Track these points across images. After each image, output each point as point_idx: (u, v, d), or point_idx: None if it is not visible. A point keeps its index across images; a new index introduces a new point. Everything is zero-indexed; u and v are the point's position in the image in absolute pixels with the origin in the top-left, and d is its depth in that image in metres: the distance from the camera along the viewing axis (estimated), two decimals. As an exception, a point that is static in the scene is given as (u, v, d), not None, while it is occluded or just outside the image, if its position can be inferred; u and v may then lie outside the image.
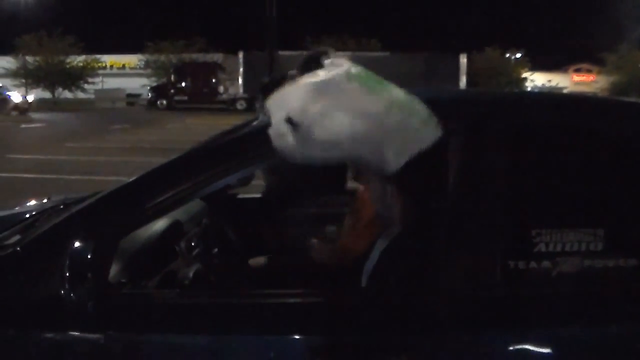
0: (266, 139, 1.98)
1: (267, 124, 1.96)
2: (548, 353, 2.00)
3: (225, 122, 24.84)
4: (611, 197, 2.15)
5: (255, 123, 2.35)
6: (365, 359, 1.99)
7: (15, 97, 35.17)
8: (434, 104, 2.10)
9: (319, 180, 3.79)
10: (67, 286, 1.90)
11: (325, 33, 48.90)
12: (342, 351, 2.00)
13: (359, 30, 49.72)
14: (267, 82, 4.33)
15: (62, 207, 2.94)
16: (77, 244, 1.92)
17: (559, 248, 2.03)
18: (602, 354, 2.01)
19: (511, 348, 1.98)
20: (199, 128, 25.04)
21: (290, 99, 1.96)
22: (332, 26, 50.72)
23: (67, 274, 1.89)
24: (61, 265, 1.94)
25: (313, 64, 4.12)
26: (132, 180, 2.22)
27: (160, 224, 2.63)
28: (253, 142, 2.17)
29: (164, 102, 40.37)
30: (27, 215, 3.02)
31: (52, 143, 17.97)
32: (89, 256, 1.89)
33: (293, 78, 4.13)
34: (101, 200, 2.20)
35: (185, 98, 40.07)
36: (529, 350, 1.99)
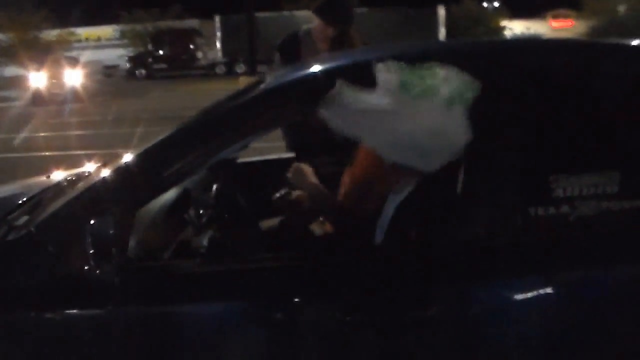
0: (281, 101, 1.96)
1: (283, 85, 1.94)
2: (570, 296, 2.02)
3: (207, 87, 24.54)
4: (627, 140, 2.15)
5: (264, 85, 2.32)
6: (391, 315, 2.00)
7: (37, 78, 24.08)
8: (447, 54, 2.10)
9: (323, 139, 3.77)
10: (91, 263, 1.88)
11: (301, -8, 48.39)
12: (367, 308, 2.00)
13: (336, -13, 49.01)
14: (282, 41, 4.33)
15: (65, 184, 2.90)
16: (97, 220, 1.90)
17: (576, 192, 2.04)
18: (621, 294, 2.04)
19: (533, 294, 2.00)
20: (182, 95, 24.81)
21: None
22: (308, -16, 49.95)
23: (91, 251, 1.87)
24: (81, 242, 1.92)
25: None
26: (146, 150, 2.20)
27: (169, 193, 2.60)
28: (268, 103, 2.16)
29: (143, 71, 39.94)
30: (31, 194, 2.98)
31: (34, 119, 17.73)
32: (111, 231, 1.87)
33: (306, 34, 4.12)
34: (116, 173, 2.17)
35: (165, 66, 39.68)
36: (551, 294, 2.01)
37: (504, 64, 2.17)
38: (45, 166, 4.42)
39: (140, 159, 2.19)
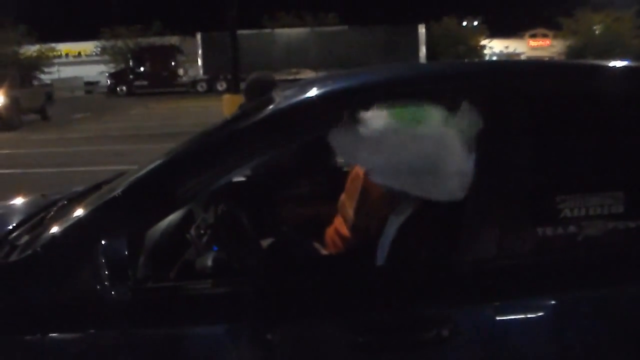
0: (293, 121, 1.98)
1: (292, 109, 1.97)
2: (577, 316, 2.04)
3: (189, 105, 24.55)
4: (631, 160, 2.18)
5: (273, 106, 2.32)
6: (402, 335, 2.00)
7: None
8: (450, 77, 2.12)
9: (309, 160, 3.79)
10: (106, 284, 1.86)
11: (282, 10, 48.67)
12: (378, 329, 2.00)
13: (316, 5, 49.40)
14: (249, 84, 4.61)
15: (65, 203, 2.88)
16: (110, 240, 1.88)
17: (583, 213, 2.06)
18: (630, 312, 2.06)
19: (541, 314, 2.02)
20: (163, 112, 24.80)
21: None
22: (288, 2, 50.23)
23: (107, 272, 1.85)
24: (92, 262, 1.90)
25: (258, 88, 4.39)
26: (156, 168, 2.19)
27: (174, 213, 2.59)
28: (281, 124, 2.17)
29: (124, 88, 39.97)
30: (29, 214, 2.94)
31: (14, 136, 17.57)
32: (125, 252, 1.85)
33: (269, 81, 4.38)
34: (127, 193, 2.15)
35: (145, 83, 39.71)
36: (560, 314, 2.03)
37: (509, 86, 2.20)
38: None
39: (152, 177, 2.18)
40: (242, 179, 3.82)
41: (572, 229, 2.07)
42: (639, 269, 2.11)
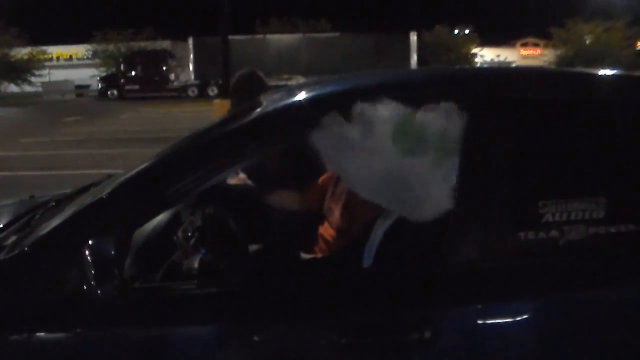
0: (280, 124, 1.99)
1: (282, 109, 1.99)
2: (559, 319, 2.06)
3: (179, 109, 24.45)
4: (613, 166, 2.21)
5: (260, 109, 2.34)
6: (386, 337, 2.02)
7: None
8: (437, 83, 2.14)
9: (299, 164, 3.79)
10: (92, 283, 1.87)
11: (274, 15, 48.79)
12: (361, 331, 2.02)
13: (308, 11, 49.56)
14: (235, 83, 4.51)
15: (53, 204, 2.88)
16: (97, 240, 1.89)
17: (564, 217, 2.09)
18: (610, 316, 2.08)
19: (523, 317, 2.04)
20: (154, 116, 24.73)
21: None
22: (280, 8, 50.34)
23: (93, 271, 1.86)
24: (79, 262, 1.91)
25: (245, 85, 4.30)
26: (145, 169, 2.20)
27: (161, 214, 2.60)
28: (272, 124, 2.20)
29: (115, 92, 39.88)
30: (16, 215, 2.95)
31: (4, 139, 17.49)
32: (112, 252, 1.86)
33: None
34: (116, 192, 2.16)
35: (137, 87, 39.60)
36: (542, 317, 2.05)
37: (492, 92, 2.23)
38: None
39: (140, 179, 2.19)
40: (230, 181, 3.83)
41: (554, 233, 2.10)
42: (621, 273, 2.13)
